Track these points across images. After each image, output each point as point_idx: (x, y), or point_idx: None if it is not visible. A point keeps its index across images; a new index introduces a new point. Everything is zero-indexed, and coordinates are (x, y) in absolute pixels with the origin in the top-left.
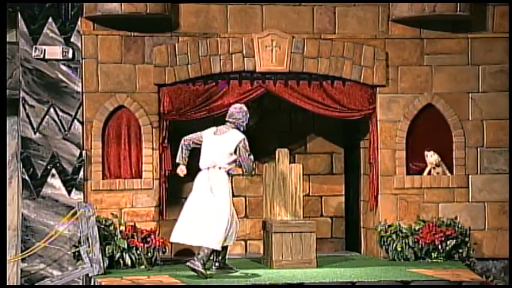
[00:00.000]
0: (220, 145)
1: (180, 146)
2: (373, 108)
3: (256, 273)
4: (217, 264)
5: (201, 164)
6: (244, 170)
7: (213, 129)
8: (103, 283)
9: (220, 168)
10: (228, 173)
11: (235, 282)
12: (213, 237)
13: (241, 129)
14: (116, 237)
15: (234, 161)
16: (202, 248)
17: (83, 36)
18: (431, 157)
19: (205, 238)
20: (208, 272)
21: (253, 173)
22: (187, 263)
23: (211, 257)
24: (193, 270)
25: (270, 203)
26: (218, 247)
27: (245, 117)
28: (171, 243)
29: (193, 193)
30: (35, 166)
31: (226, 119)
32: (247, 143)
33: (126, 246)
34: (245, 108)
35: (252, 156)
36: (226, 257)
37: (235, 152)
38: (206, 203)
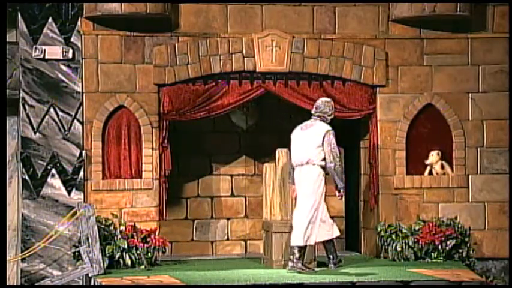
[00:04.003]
0: (307, 140)
1: None
2: (373, 108)
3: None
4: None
5: (293, 162)
6: (328, 162)
7: (300, 125)
8: (103, 283)
9: (314, 164)
10: (323, 169)
11: (235, 282)
12: (295, 235)
13: (327, 121)
14: (116, 237)
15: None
16: (292, 247)
17: (83, 36)
18: (432, 156)
19: (292, 236)
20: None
21: (337, 167)
22: (291, 269)
23: (300, 254)
24: (300, 273)
25: (270, 203)
26: (301, 243)
27: (331, 110)
28: (171, 243)
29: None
30: (35, 166)
31: (312, 112)
32: (332, 136)
33: (126, 246)
34: (331, 102)
35: (336, 150)
36: (315, 254)
37: (322, 144)
38: (299, 201)
